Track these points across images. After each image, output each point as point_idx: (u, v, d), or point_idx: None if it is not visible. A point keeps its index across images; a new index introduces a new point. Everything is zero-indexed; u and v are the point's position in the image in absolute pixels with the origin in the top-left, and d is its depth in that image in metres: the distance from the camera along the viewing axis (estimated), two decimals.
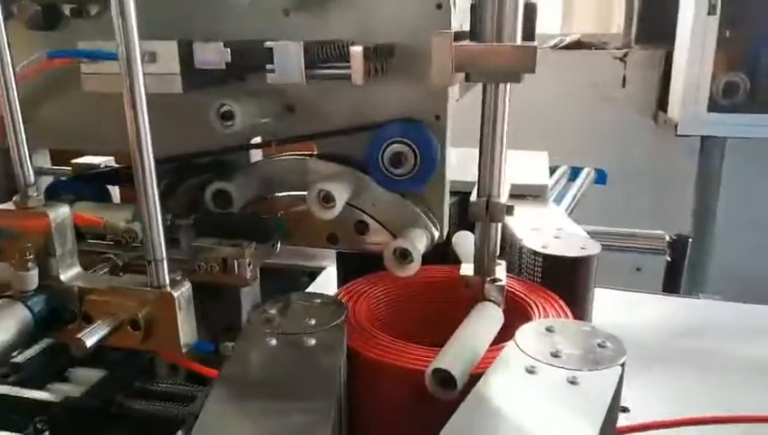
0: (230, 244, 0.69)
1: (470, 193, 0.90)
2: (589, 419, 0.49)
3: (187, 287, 0.54)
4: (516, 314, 0.72)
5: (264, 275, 0.78)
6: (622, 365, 0.55)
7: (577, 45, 2.43)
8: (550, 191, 1.74)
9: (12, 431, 0.64)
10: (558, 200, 1.85)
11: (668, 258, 1.37)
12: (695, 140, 2.12)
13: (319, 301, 0.69)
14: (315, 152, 0.78)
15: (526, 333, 0.60)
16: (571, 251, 0.81)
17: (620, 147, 2.31)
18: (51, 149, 0.96)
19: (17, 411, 0.67)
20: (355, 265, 0.84)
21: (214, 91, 0.69)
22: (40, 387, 0.73)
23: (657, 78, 2.25)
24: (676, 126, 2.00)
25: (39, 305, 0.52)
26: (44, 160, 0.95)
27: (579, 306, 0.82)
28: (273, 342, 0.56)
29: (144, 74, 0.52)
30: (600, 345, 0.58)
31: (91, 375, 0.76)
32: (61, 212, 0.55)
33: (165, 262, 0.52)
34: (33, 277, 0.52)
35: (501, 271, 0.72)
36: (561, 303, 0.74)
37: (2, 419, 0.66)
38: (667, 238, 1.36)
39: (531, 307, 0.74)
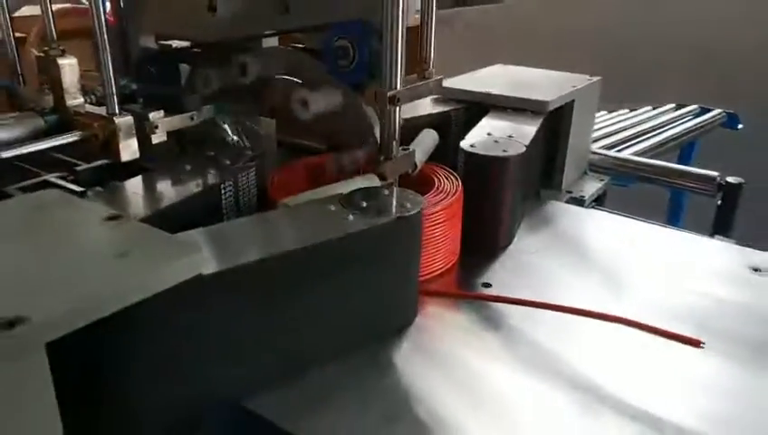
0: None
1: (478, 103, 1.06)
2: None
3: (127, 119, 0.79)
4: (425, 185, 0.90)
5: None
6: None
7: None
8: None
9: None
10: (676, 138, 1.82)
11: (718, 202, 1.34)
12: None
13: None
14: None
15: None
16: (489, 151, 0.93)
17: None
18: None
19: None
20: None
21: None
22: None
23: None
24: None
25: (50, 118, 0.82)
26: (151, 41, 1.24)
27: (492, 200, 0.94)
28: None
29: None
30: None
31: None
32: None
33: (114, 96, 0.78)
34: (49, 100, 0.81)
35: (402, 153, 0.87)
36: (455, 175, 0.92)
37: None
38: (719, 181, 1.33)
39: (435, 180, 0.91)
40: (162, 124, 0.84)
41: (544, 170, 1.25)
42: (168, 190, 0.78)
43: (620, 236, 1.05)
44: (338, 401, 0.65)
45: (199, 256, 0.56)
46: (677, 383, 0.70)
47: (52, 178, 0.86)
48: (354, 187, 0.79)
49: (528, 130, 1.04)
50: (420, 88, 0.87)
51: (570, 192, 1.25)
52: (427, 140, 0.98)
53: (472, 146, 0.95)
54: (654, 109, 2.04)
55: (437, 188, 0.91)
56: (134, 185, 0.79)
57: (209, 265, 0.58)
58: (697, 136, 1.90)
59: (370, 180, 0.84)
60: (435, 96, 1.22)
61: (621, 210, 1.18)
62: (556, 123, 1.21)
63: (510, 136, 1.00)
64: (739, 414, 0.66)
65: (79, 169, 0.87)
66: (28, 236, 0.61)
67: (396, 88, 0.83)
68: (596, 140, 1.65)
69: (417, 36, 0.90)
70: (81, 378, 0.55)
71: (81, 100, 0.86)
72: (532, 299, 0.83)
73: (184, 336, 0.59)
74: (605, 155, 1.42)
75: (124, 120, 0.80)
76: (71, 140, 0.81)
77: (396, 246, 0.72)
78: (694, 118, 1.97)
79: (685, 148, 2.00)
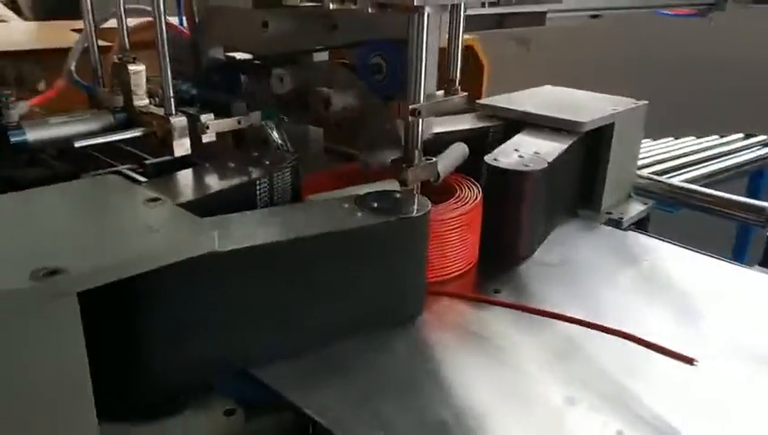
0: None
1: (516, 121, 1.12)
2: None
3: (181, 119, 0.91)
4: (447, 193, 0.98)
5: None
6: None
7: None
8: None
9: None
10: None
11: None
12: None
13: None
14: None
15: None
16: (510, 165, 0.98)
17: None
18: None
19: None
20: None
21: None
22: None
23: None
24: None
25: (119, 116, 0.95)
26: (219, 53, 1.37)
27: (510, 211, 1.00)
28: None
29: None
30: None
31: None
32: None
33: (171, 99, 0.90)
34: (120, 100, 0.94)
35: (425, 162, 0.94)
36: (477, 185, 0.99)
37: None
38: None
39: (457, 189, 0.99)
40: (212, 126, 0.95)
41: (584, 191, 1.28)
42: (209, 182, 0.88)
43: (642, 256, 1.07)
44: (332, 376, 0.73)
45: (214, 235, 0.66)
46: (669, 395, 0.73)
47: (123, 168, 0.99)
48: (373, 190, 0.87)
49: (556, 147, 1.08)
50: (443, 103, 0.94)
51: (609, 213, 1.27)
52: (454, 153, 1.04)
53: (495, 159, 1.00)
54: (721, 137, 2.00)
55: (457, 197, 0.97)
56: (183, 176, 0.90)
57: (223, 244, 0.68)
58: (762, 166, 1.86)
59: (392, 185, 0.91)
60: (476, 113, 1.29)
61: (668, 236, 1.19)
62: (595, 144, 1.24)
63: (536, 152, 1.05)
64: None
65: (147, 162, 1.00)
66: (83, 209, 0.73)
67: (419, 102, 0.90)
68: (654, 165, 1.66)
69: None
70: (106, 333, 0.66)
71: (147, 101, 0.99)
72: (535, 307, 0.87)
73: (198, 305, 0.68)
74: (651, 179, 1.42)
75: (178, 121, 0.92)
76: (134, 135, 0.94)
77: (398, 244, 0.79)
78: (762, 148, 1.92)
79: (754, 177, 1.96)
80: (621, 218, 1.25)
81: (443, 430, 0.66)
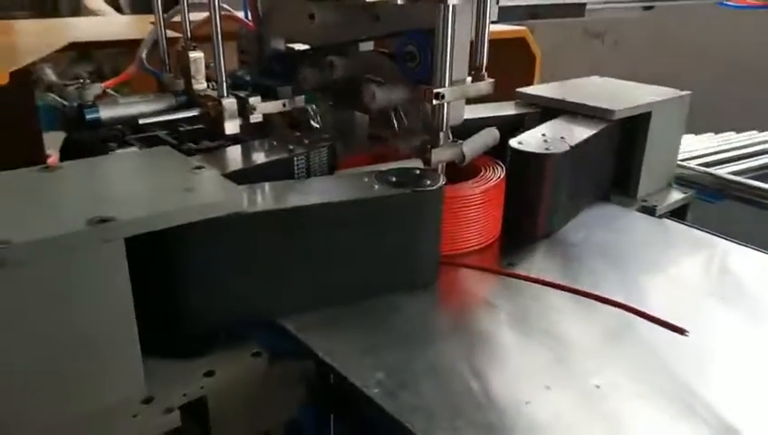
0: None
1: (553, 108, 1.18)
2: None
3: (231, 101, 1.03)
4: (473, 173, 1.05)
5: None
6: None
7: None
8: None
9: None
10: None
11: None
12: None
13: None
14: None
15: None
16: (531, 148, 1.04)
17: None
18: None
19: None
20: None
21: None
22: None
23: None
24: None
25: (180, 99, 1.08)
26: (281, 44, 1.49)
27: (530, 191, 1.06)
28: None
29: None
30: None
31: None
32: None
33: (224, 83, 1.02)
34: (180, 84, 1.07)
35: (450, 144, 1.01)
36: (501, 166, 1.06)
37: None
38: None
39: (482, 170, 1.06)
40: (259, 108, 1.06)
41: (620, 177, 1.31)
42: (253, 157, 0.99)
43: (665, 242, 1.10)
44: (345, 328, 0.82)
45: (243, 198, 0.77)
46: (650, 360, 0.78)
47: (160, 133, 1.13)
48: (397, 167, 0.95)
49: (583, 133, 1.13)
50: (467, 87, 1.01)
51: (644, 201, 1.30)
52: (483, 137, 1.11)
53: (520, 143, 1.07)
54: None
55: (481, 176, 1.04)
56: (232, 150, 1.02)
57: (250, 207, 0.78)
58: None
59: (416, 164, 0.99)
60: (516, 100, 1.35)
61: (711, 227, 1.20)
62: (632, 133, 1.28)
63: (562, 137, 1.10)
64: None
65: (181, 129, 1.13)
66: (137, 173, 0.85)
67: (444, 86, 0.98)
68: (703, 156, 1.65)
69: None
70: (153, 277, 0.77)
71: (205, 85, 1.11)
72: (541, 278, 0.93)
73: (228, 257, 0.79)
74: (693, 169, 1.43)
75: (229, 102, 1.03)
76: (190, 114, 1.07)
77: (411, 215, 0.87)
78: None
79: None
80: (656, 206, 1.28)
81: (431, 371, 0.74)
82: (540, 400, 0.71)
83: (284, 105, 1.10)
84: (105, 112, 1.05)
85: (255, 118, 1.06)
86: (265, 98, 1.09)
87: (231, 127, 1.04)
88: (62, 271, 0.66)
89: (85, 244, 0.67)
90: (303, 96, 1.15)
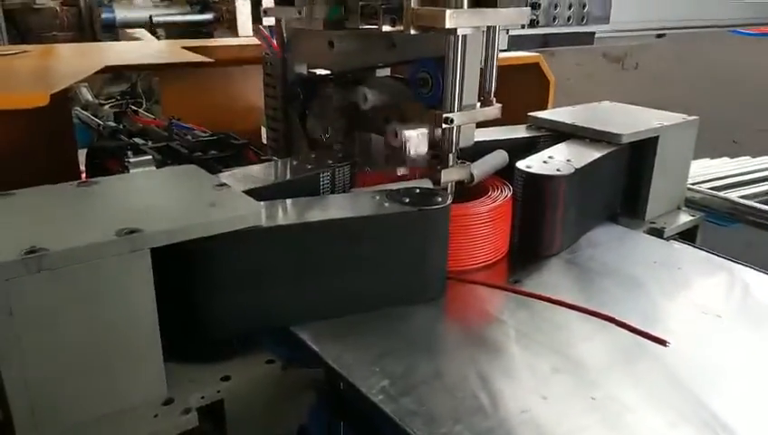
0: None
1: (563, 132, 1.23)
2: None
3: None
4: (481, 193, 1.10)
5: None
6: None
7: None
8: None
9: None
10: None
11: None
12: None
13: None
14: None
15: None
16: (537, 170, 1.09)
17: None
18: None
19: None
20: None
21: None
22: None
23: None
24: None
25: (196, 6, 1.16)
26: (303, 69, 1.55)
27: (537, 212, 1.10)
28: None
29: None
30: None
31: None
32: None
33: None
34: None
35: (458, 165, 1.06)
36: (509, 186, 1.10)
37: None
38: None
39: (490, 190, 1.11)
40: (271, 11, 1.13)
41: (628, 200, 1.35)
42: (283, 173, 1.06)
43: (670, 263, 1.13)
44: (354, 337, 0.87)
45: (261, 213, 0.83)
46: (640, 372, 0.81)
47: (173, 144, 1.19)
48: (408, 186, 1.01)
49: (589, 156, 1.17)
50: (476, 112, 1.06)
51: (653, 223, 1.33)
52: (493, 159, 1.16)
53: (527, 165, 1.11)
54: None
55: (489, 196, 1.09)
56: (256, 168, 1.09)
57: (269, 221, 0.84)
58: None
59: (426, 183, 1.05)
60: (528, 124, 1.40)
61: (723, 251, 1.23)
62: (640, 156, 1.31)
63: (568, 160, 1.14)
64: None
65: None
66: (164, 188, 0.92)
67: (454, 111, 1.03)
68: (715, 180, 1.68)
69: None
70: (171, 286, 0.83)
71: None
72: (545, 295, 0.97)
73: (247, 267, 0.85)
74: (703, 192, 1.46)
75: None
76: (206, 18, 1.15)
77: (419, 232, 0.92)
78: None
79: None
80: (664, 228, 1.31)
81: (435, 379, 0.79)
82: (539, 408, 0.75)
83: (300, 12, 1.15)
84: (120, 13, 1.09)
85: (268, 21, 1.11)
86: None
87: (244, 29, 1.10)
88: (93, 277, 0.72)
89: (114, 253, 0.73)
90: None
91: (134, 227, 0.74)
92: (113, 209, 0.82)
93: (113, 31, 3.99)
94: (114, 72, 1.72)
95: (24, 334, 0.69)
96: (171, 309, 0.80)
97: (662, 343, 0.85)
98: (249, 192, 0.92)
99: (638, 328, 0.87)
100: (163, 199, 0.87)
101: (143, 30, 5.55)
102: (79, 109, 1.98)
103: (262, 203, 0.87)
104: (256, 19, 1.29)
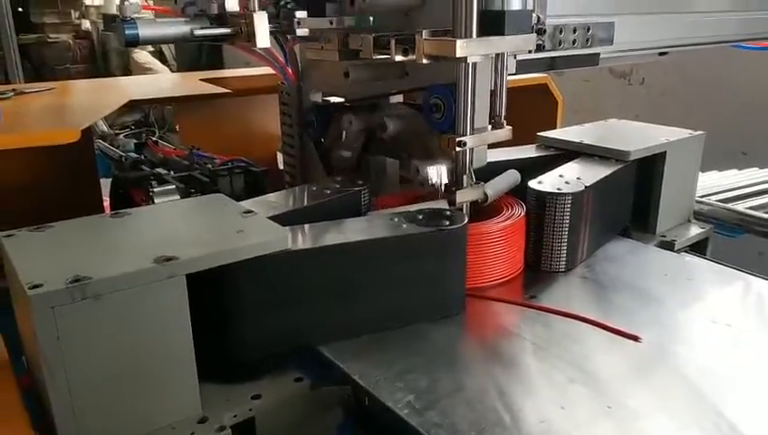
0: None
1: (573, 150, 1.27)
2: None
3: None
4: (495, 212, 1.14)
5: None
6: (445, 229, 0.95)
7: None
8: None
9: None
10: None
11: None
12: None
13: None
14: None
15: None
16: (548, 188, 1.13)
17: None
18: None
19: None
20: None
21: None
22: None
23: None
24: None
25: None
26: (318, 97, 1.60)
27: (549, 228, 1.14)
28: None
29: None
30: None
31: None
32: None
33: None
34: (215, 6, 1.20)
35: (473, 186, 1.10)
36: (522, 205, 1.14)
37: None
38: None
39: (504, 209, 1.15)
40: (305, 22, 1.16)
41: (639, 214, 1.38)
42: (303, 199, 1.11)
43: (682, 276, 1.16)
44: (377, 354, 0.91)
45: (287, 237, 0.87)
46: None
47: (195, 173, 1.24)
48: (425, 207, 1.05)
49: (599, 173, 1.21)
50: (487, 135, 1.10)
51: (663, 236, 1.37)
52: (506, 178, 1.20)
53: (539, 183, 1.15)
54: None
55: (503, 214, 1.13)
56: (276, 195, 1.14)
57: (294, 245, 0.88)
58: None
59: (442, 204, 1.09)
60: (538, 144, 1.44)
61: (733, 262, 1.26)
62: (649, 172, 1.35)
63: (578, 178, 1.18)
64: None
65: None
66: (194, 217, 0.97)
67: (466, 135, 1.08)
68: (723, 192, 1.70)
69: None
70: (206, 310, 0.88)
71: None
72: (560, 310, 1.01)
73: (276, 290, 0.89)
74: (712, 204, 1.49)
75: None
76: (224, 32, 1.17)
77: (436, 252, 0.96)
78: None
79: None
80: (674, 241, 1.34)
81: (457, 393, 0.82)
82: (557, 418, 0.78)
83: (331, 23, 1.19)
84: (144, 30, 1.12)
85: (302, 31, 1.17)
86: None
87: (262, 40, 1.13)
88: (133, 303, 0.76)
89: (152, 279, 0.77)
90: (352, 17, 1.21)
91: (170, 254, 0.79)
92: (148, 238, 0.87)
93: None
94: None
95: (70, 358, 0.73)
96: (205, 331, 0.84)
97: (635, 339, 0.89)
98: (273, 218, 0.96)
99: (609, 325, 0.93)
100: (194, 228, 0.92)
101: (155, 60, 5.72)
102: (100, 140, 2.05)
103: (287, 228, 0.91)
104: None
